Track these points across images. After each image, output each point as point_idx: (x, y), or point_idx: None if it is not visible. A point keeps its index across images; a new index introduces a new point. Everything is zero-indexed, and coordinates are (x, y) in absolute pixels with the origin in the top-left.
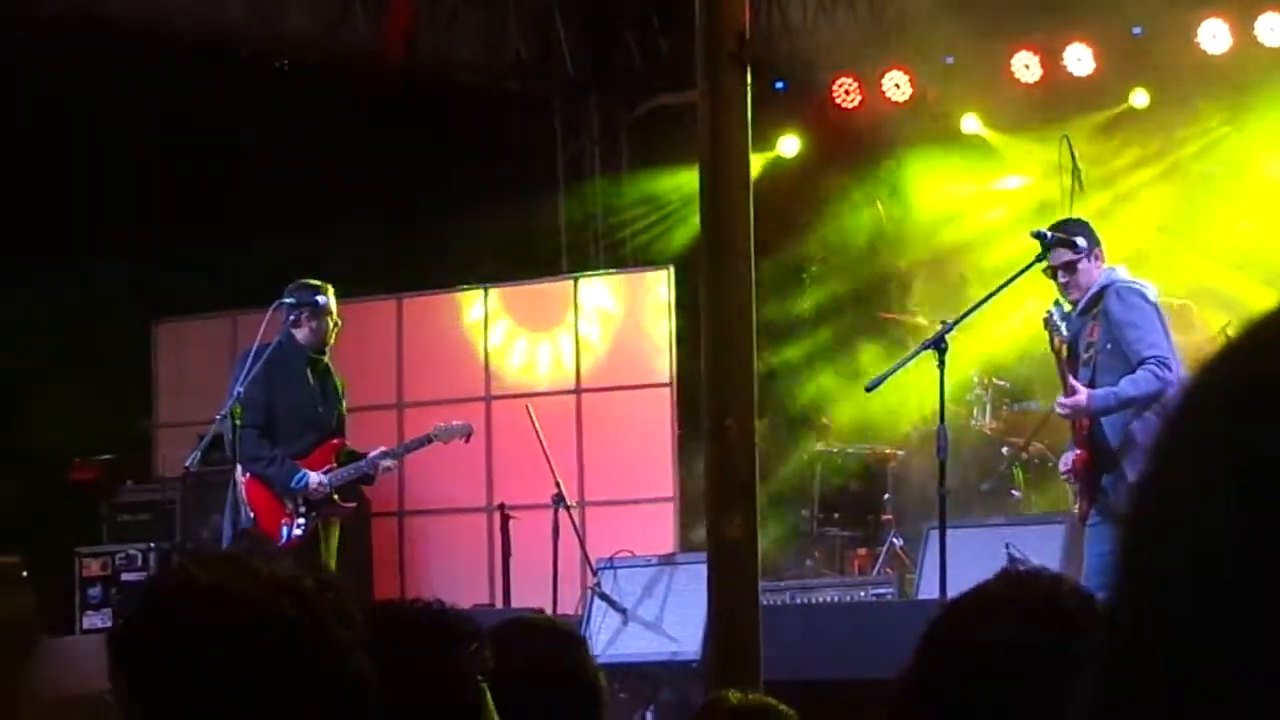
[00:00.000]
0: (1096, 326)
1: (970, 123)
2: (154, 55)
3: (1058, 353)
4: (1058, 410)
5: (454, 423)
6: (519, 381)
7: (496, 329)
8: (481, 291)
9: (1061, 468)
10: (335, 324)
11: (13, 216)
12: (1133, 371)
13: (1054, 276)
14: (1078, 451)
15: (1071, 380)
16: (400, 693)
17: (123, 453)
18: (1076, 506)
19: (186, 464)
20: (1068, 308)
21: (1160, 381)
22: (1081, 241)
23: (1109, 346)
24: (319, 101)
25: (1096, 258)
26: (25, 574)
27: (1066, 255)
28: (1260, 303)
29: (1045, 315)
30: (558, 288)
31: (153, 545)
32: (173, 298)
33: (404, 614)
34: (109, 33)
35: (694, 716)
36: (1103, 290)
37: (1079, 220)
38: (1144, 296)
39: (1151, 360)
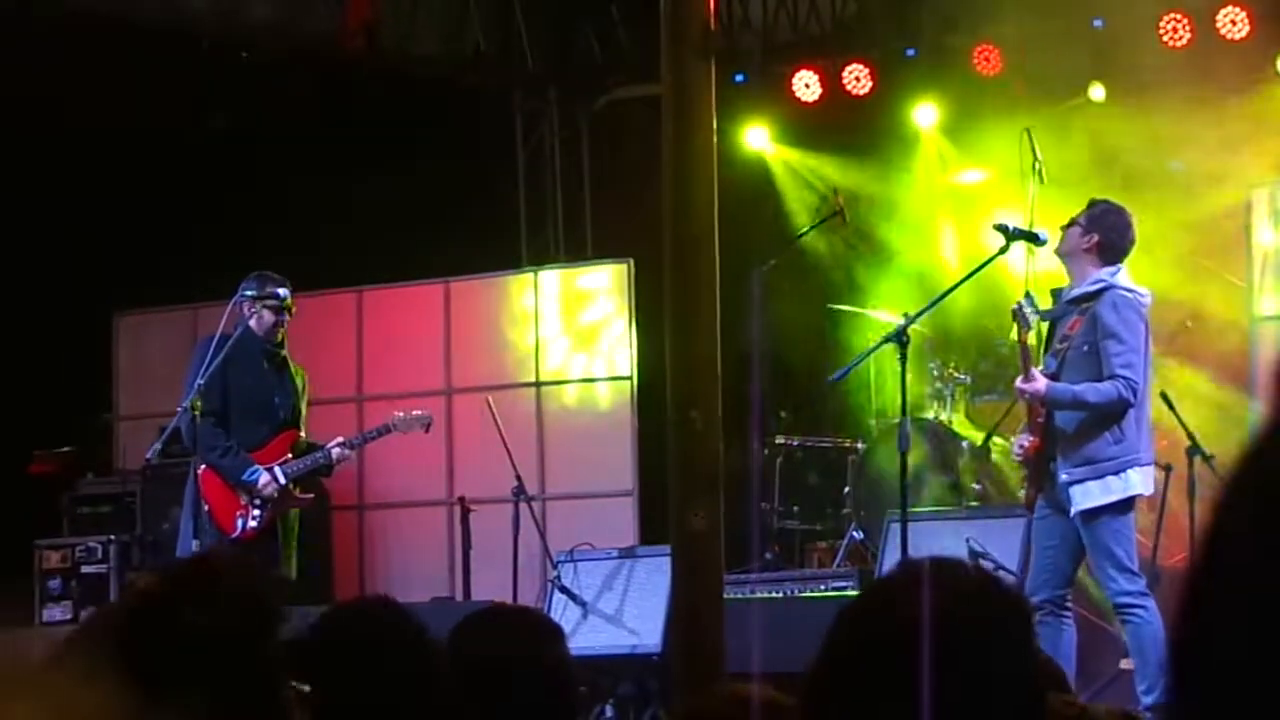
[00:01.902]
0: (1080, 322)
1: (930, 115)
2: (116, 46)
3: (1023, 343)
4: (1016, 389)
5: (413, 412)
6: (479, 374)
7: (457, 322)
8: (441, 285)
9: (1014, 450)
10: (285, 319)
11: None
12: (1099, 379)
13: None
14: (1031, 438)
15: (1033, 369)
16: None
17: (83, 445)
18: (1023, 493)
19: (147, 457)
20: (1040, 301)
21: (1120, 399)
22: (1088, 219)
23: (1085, 348)
24: (279, 93)
25: (1096, 244)
26: None
27: (1078, 218)
28: (1218, 297)
29: (1014, 306)
30: (518, 280)
31: (113, 538)
32: (133, 290)
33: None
34: (71, 23)
35: (694, 705)
36: (1099, 291)
37: (1105, 204)
38: (1138, 312)
39: (1121, 380)
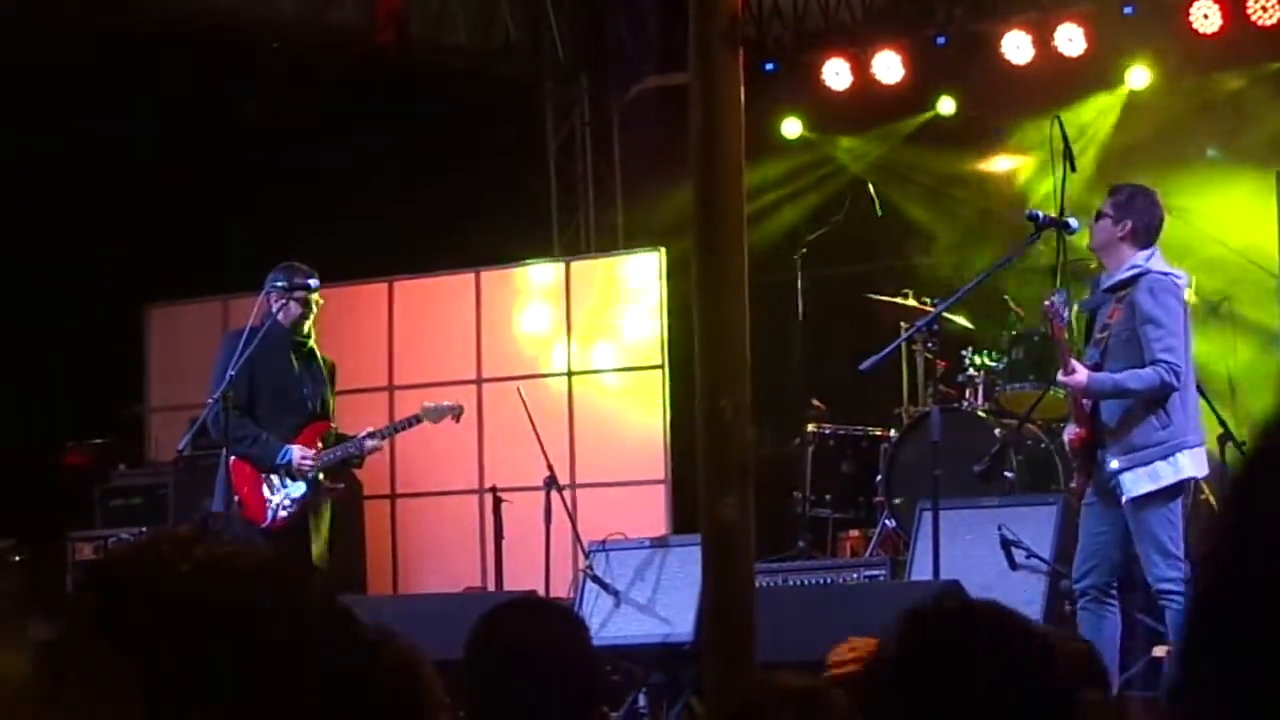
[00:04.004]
0: (1119, 310)
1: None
2: (147, 36)
3: (1059, 338)
4: (1058, 382)
5: (444, 402)
6: (510, 364)
7: (488, 312)
8: (473, 275)
9: (1066, 438)
10: (314, 311)
11: (7, 199)
12: (1142, 366)
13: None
14: (1077, 429)
15: (1072, 361)
16: None
17: (115, 437)
18: (1074, 483)
19: (179, 448)
20: (1079, 291)
21: (1163, 385)
22: (1114, 207)
23: (1125, 335)
24: (310, 84)
25: (1130, 230)
26: (17, 558)
27: (1104, 208)
28: (1256, 282)
29: (1046, 303)
30: (549, 270)
31: (145, 530)
32: (165, 281)
33: None
34: (103, 13)
35: (744, 700)
36: (1136, 277)
37: (1128, 188)
38: (1176, 295)
39: (1163, 365)
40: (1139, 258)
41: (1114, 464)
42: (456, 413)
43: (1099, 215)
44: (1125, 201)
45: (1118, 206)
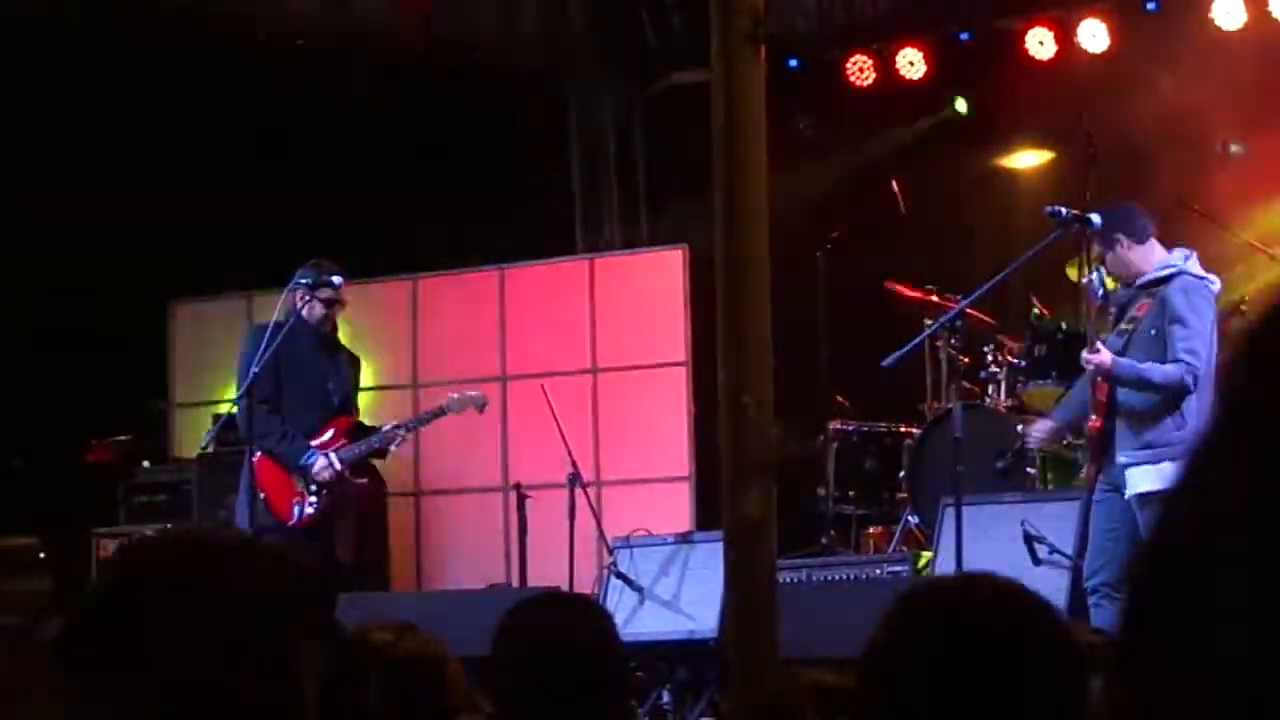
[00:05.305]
0: (1149, 306)
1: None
2: (171, 33)
3: (1092, 316)
4: (1082, 360)
5: (468, 394)
6: (535, 361)
7: (512, 309)
8: (497, 272)
9: (1030, 439)
10: (337, 308)
11: (31, 196)
12: (1165, 363)
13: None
14: (1094, 419)
15: (1098, 342)
16: None
17: (139, 433)
18: (1084, 473)
19: (203, 445)
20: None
21: (1182, 384)
22: (1120, 233)
23: (1153, 332)
24: (333, 80)
25: (1139, 245)
26: (42, 556)
27: (1112, 238)
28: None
29: (1087, 280)
30: (573, 268)
31: (170, 526)
32: (189, 277)
33: None
34: (130, 12)
35: (775, 696)
36: (1170, 276)
37: (1123, 209)
38: (1208, 300)
39: (1185, 364)
40: (1174, 256)
41: (1123, 458)
42: (480, 404)
43: (1110, 244)
44: (1125, 225)
45: (1128, 234)
